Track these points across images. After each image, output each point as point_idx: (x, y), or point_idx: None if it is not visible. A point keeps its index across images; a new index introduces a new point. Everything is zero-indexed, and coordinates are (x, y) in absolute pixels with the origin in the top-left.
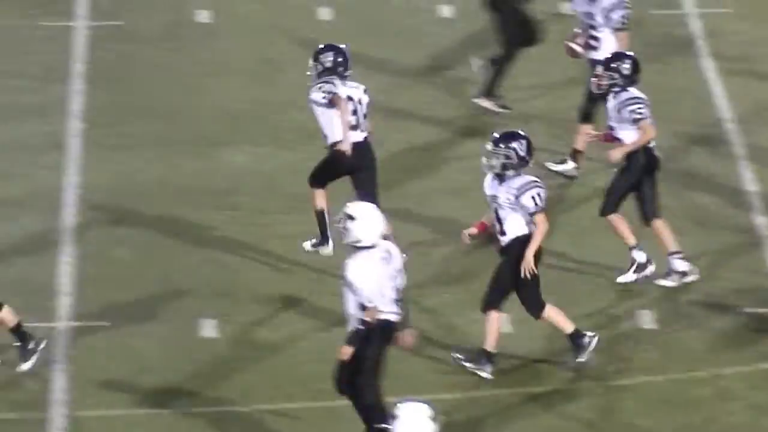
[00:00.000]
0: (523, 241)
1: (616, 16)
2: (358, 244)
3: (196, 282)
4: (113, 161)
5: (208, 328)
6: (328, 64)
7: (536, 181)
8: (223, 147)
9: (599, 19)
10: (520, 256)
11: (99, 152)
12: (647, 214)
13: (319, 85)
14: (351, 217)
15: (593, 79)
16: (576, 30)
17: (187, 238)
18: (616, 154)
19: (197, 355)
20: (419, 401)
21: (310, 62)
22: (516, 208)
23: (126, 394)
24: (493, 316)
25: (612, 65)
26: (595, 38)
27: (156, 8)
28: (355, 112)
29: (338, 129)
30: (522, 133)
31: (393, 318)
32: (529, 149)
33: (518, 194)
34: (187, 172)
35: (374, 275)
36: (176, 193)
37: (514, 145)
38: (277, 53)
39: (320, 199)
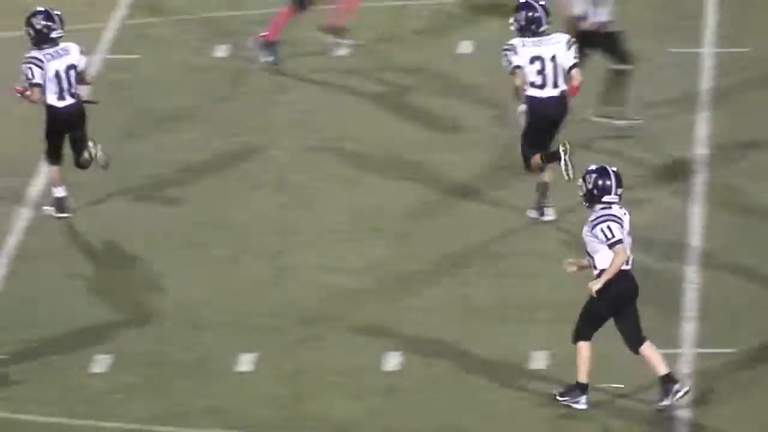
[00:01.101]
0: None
1: None
2: None
3: None
4: (738, 191)
5: None
6: (523, 22)
7: (611, 215)
8: None
9: None
10: (613, 289)
11: (722, 180)
12: None
13: (504, 51)
14: None
15: None
16: None
17: None
18: None
19: None
20: None
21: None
22: (596, 241)
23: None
24: (584, 347)
25: None
26: None
27: None
28: (540, 72)
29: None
30: (599, 168)
31: None
32: (597, 185)
33: (592, 227)
34: None
35: None
36: None
37: (586, 177)
38: None
39: (539, 172)
